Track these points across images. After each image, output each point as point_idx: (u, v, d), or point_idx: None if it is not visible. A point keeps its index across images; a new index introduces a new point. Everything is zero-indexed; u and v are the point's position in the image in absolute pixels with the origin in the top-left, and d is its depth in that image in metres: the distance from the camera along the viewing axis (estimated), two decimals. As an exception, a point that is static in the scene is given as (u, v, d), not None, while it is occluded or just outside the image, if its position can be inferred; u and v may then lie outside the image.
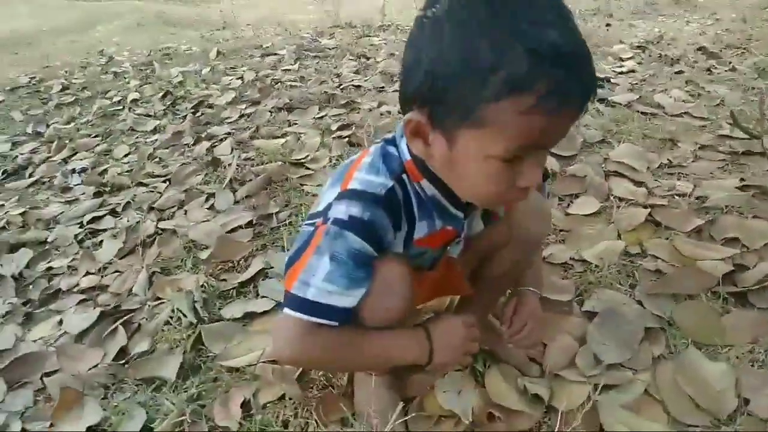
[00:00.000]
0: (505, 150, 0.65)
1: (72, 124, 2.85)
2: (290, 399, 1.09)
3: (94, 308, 1.45)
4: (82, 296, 1.52)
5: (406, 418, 1.00)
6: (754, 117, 2.05)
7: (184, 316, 1.34)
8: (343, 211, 0.76)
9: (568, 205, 1.65)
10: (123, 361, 1.27)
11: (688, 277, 1.27)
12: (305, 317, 0.77)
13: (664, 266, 1.33)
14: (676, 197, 1.61)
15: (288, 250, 1.14)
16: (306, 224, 0.85)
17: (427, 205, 0.82)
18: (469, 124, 0.64)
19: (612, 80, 2.76)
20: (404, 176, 0.79)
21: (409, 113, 0.70)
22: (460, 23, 0.61)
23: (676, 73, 2.83)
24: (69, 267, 1.66)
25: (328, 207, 0.78)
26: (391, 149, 0.81)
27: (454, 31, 0.61)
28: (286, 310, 0.78)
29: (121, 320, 1.37)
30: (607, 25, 4.33)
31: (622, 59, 3.16)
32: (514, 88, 0.59)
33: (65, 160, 2.43)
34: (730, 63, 2.91)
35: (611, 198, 1.65)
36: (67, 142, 2.59)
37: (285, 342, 0.81)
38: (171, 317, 1.36)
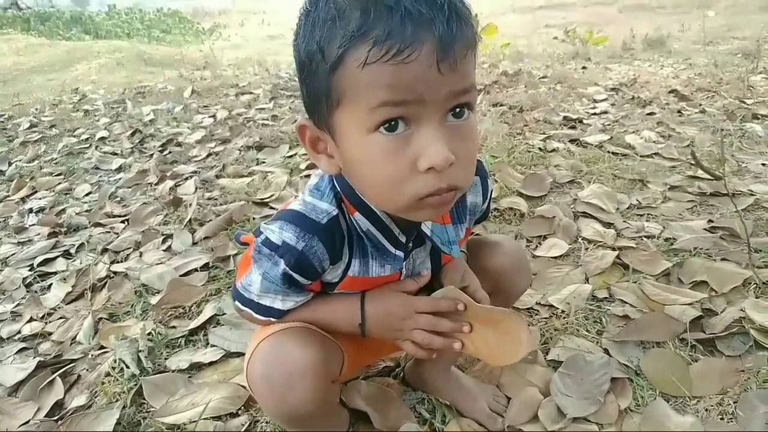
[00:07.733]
0: (370, 113, 0.59)
1: (36, 161, 2.77)
2: (231, 460, 1.00)
3: (34, 358, 1.35)
4: (23, 344, 1.43)
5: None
6: (716, 158, 2.05)
7: (127, 366, 1.26)
8: (276, 233, 0.72)
9: (536, 246, 1.61)
10: (57, 417, 1.17)
11: (656, 323, 1.22)
12: (251, 312, 0.81)
13: (632, 311, 1.28)
14: (645, 239, 1.57)
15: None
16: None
17: (362, 242, 0.77)
18: (333, 105, 0.62)
19: (585, 121, 2.77)
20: (343, 206, 0.75)
21: (298, 120, 0.70)
22: (306, 15, 0.63)
23: (647, 114, 2.85)
24: (12, 313, 1.57)
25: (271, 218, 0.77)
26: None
27: (303, 24, 0.63)
28: (236, 302, 0.83)
29: (59, 371, 1.28)
30: (583, 67, 4.41)
31: (595, 101, 3.19)
32: (347, 47, 0.57)
33: (23, 199, 2.35)
34: (700, 105, 2.95)
35: (580, 240, 1.61)
36: (28, 180, 2.51)
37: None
38: (113, 368, 1.27)
